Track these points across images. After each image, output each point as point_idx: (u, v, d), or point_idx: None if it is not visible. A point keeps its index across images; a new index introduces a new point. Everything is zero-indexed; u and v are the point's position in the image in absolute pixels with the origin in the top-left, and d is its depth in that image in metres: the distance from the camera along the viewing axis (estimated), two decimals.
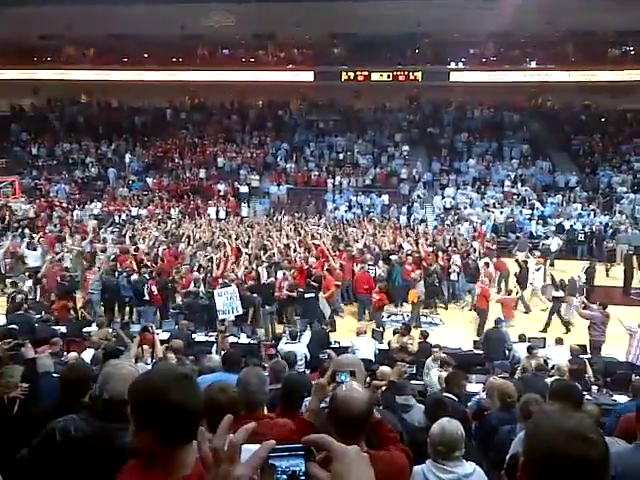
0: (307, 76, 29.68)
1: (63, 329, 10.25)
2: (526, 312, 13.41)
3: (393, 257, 14.04)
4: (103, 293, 12.18)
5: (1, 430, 3.02)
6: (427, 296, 13.41)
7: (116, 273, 12.55)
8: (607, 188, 23.27)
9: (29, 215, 21.08)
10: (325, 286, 12.08)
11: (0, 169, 25.98)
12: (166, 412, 1.47)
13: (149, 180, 25.65)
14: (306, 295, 11.58)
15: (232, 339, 9.65)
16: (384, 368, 6.04)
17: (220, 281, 11.51)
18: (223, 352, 6.91)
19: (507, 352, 9.42)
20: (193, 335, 10.18)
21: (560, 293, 12.37)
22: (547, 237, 18.73)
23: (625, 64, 27.30)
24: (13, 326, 8.48)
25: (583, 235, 19.27)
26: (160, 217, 20.85)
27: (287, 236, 16.07)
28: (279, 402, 3.42)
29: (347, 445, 1.01)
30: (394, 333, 9.72)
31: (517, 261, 14.41)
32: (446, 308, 13.86)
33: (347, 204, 23.24)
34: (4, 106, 31.89)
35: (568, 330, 11.75)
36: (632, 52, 28.24)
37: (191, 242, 15.46)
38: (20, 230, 18.03)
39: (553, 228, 20.13)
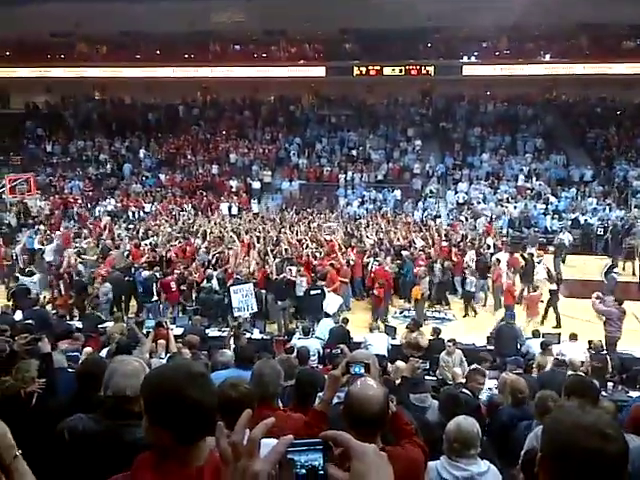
0: (319, 71, 29.63)
1: (79, 324, 10.38)
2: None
3: (404, 253, 14.01)
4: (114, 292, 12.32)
5: (18, 424, 3.05)
6: (438, 292, 13.40)
7: (132, 269, 12.68)
8: (623, 182, 22.98)
9: (44, 212, 21.33)
10: (330, 280, 12.11)
11: (15, 166, 26.27)
12: (182, 411, 1.45)
13: (162, 176, 25.78)
14: (311, 292, 11.57)
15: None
16: (399, 363, 6.04)
17: (233, 277, 11.61)
18: (233, 347, 6.95)
19: (519, 347, 9.38)
20: (207, 330, 10.25)
21: (554, 286, 12.37)
22: (561, 231, 18.48)
23: None
24: (29, 321, 8.61)
25: (602, 229, 18.95)
26: (173, 213, 20.92)
27: (298, 232, 16.10)
28: (293, 397, 3.43)
29: (363, 441, 1.01)
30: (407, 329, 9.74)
31: (522, 255, 14.32)
32: (445, 304, 13.78)
33: (359, 200, 23.18)
34: (19, 104, 32.21)
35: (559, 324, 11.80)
36: None
37: (207, 237, 15.56)
38: (36, 227, 18.29)
39: (569, 223, 19.91)
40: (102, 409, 2.32)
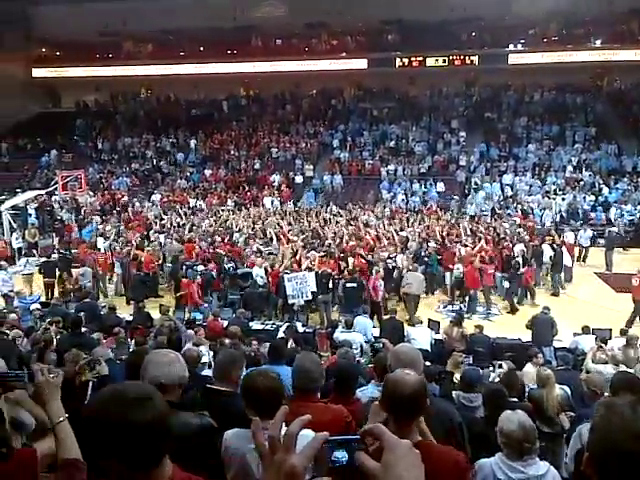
0: (361, 63, 29.48)
1: (128, 317, 10.69)
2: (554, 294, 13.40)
3: (431, 244, 13.82)
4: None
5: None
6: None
7: (183, 266, 12.95)
8: None
9: (95, 208, 22.00)
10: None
11: (67, 163, 27.18)
12: (127, 439, 1.29)
13: (207, 172, 26.17)
14: (347, 285, 11.52)
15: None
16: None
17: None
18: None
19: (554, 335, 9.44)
20: (250, 323, 10.39)
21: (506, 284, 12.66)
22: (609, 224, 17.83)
23: None
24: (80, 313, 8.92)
25: None
26: (216, 209, 21.13)
27: (338, 225, 16.18)
28: (333, 388, 3.45)
29: (399, 427, 1.02)
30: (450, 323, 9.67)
31: (551, 245, 13.94)
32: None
33: (403, 193, 22.91)
34: (70, 102, 33.35)
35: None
36: None
37: (245, 230, 15.73)
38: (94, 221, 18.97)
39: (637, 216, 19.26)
40: None
